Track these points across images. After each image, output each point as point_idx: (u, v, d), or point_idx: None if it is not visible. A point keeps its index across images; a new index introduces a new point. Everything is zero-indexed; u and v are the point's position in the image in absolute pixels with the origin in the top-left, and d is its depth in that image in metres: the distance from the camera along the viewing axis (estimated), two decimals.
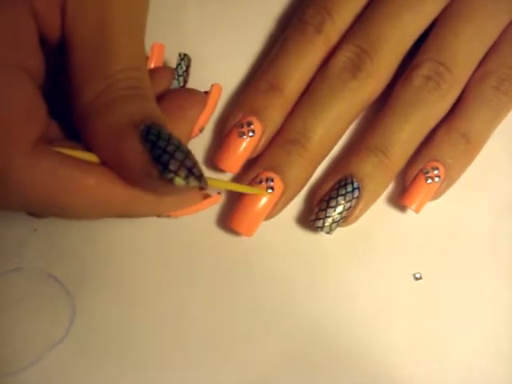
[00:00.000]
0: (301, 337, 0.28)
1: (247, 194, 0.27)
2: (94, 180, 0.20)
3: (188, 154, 0.20)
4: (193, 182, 0.20)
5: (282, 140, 0.27)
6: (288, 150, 0.27)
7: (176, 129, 0.22)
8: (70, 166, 0.20)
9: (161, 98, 0.24)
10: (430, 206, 0.28)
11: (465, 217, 0.29)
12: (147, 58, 0.26)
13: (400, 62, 0.28)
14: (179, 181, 0.19)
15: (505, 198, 0.30)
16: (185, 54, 0.27)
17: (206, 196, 0.24)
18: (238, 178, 0.28)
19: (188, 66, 0.27)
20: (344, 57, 0.27)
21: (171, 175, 0.19)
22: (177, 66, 0.26)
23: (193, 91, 0.25)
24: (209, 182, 0.21)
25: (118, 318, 0.27)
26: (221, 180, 0.27)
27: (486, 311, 0.28)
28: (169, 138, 0.20)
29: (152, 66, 0.26)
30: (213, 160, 0.28)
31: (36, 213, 0.24)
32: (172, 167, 0.19)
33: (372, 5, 0.28)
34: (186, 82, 0.27)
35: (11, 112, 0.19)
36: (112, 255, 0.28)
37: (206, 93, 0.25)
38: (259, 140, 0.27)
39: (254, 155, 0.28)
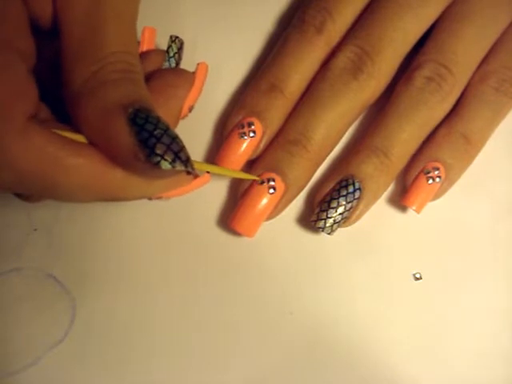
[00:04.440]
0: (302, 337, 0.28)
1: (248, 196, 0.27)
2: (82, 159, 0.20)
3: (175, 138, 0.20)
4: (179, 166, 0.20)
5: (283, 140, 0.27)
6: (289, 151, 0.27)
7: (166, 107, 0.22)
8: (59, 144, 0.20)
9: (149, 78, 0.24)
10: (430, 207, 0.28)
11: (464, 217, 0.29)
12: (139, 43, 0.26)
13: (400, 62, 0.28)
14: (165, 165, 0.19)
15: (504, 199, 0.30)
16: (176, 37, 0.27)
17: (196, 176, 0.24)
18: (237, 179, 0.28)
19: (180, 49, 0.27)
20: (345, 57, 0.27)
21: (158, 159, 0.19)
22: (168, 48, 0.26)
23: (180, 70, 0.25)
24: (197, 165, 0.21)
25: (118, 318, 0.27)
26: (209, 164, 0.27)
27: (486, 311, 0.28)
28: (157, 122, 0.20)
29: (144, 49, 0.26)
30: (213, 160, 0.28)
31: (26, 193, 0.24)
32: (158, 151, 0.19)
33: (373, 6, 0.28)
34: (177, 64, 0.27)
35: (0, 87, 0.19)
36: (112, 255, 0.28)
37: (193, 72, 0.26)
38: (260, 141, 0.27)
39: (254, 156, 0.28)
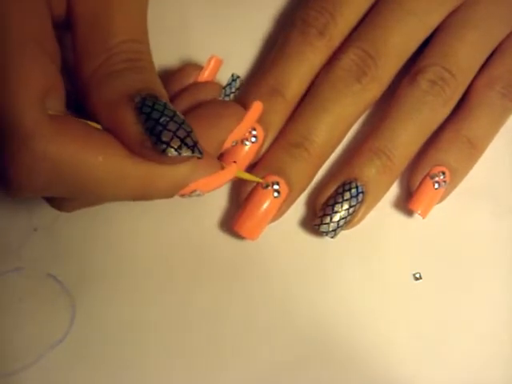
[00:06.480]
0: (302, 337, 0.28)
1: (253, 199, 0.27)
2: (102, 157, 0.20)
3: (182, 124, 0.20)
4: (185, 152, 0.20)
5: (285, 143, 0.27)
6: (292, 154, 0.27)
7: (206, 135, 0.22)
8: (76, 146, 0.19)
9: (200, 105, 0.25)
10: None
11: (465, 217, 0.29)
12: (199, 67, 0.27)
13: (401, 66, 0.28)
14: (172, 152, 0.20)
15: (505, 199, 0.30)
16: (237, 76, 0.27)
17: (222, 167, 0.24)
18: (240, 182, 0.28)
19: (237, 89, 0.28)
20: (349, 59, 0.27)
21: (164, 146, 0.20)
22: (226, 85, 0.27)
23: (229, 103, 0.26)
24: None
25: (117, 318, 0.27)
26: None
27: (486, 311, 0.28)
28: (163, 109, 0.20)
29: (205, 76, 0.27)
30: None
31: (56, 196, 0.23)
32: (165, 138, 0.20)
33: (377, 9, 0.28)
34: None
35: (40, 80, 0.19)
36: (112, 255, 0.28)
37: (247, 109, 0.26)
38: (261, 145, 0.27)
39: (256, 160, 0.28)
